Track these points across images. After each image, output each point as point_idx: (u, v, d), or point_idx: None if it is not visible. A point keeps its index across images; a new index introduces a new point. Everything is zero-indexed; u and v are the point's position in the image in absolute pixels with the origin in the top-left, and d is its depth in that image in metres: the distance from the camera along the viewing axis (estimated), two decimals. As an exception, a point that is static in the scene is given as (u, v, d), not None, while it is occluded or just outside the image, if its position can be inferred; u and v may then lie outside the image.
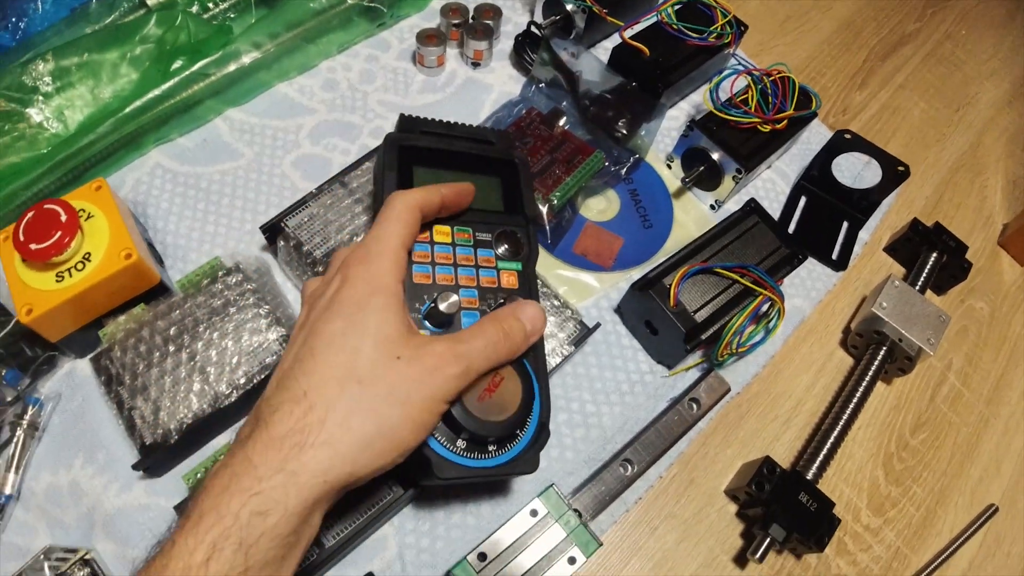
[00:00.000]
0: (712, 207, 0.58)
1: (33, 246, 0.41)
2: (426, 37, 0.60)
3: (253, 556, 0.26)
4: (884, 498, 0.50)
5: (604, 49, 0.65)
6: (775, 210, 0.59)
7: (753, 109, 0.54)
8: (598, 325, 0.47)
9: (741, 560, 0.46)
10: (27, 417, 0.44)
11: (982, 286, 0.61)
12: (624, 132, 0.55)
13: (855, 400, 0.49)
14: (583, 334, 0.46)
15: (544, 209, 0.51)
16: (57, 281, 0.42)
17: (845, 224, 0.59)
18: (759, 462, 0.45)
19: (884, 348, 0.51)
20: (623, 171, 0.56)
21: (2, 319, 0.45)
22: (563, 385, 0.49)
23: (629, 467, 0.45)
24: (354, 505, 0.40)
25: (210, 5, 0.57)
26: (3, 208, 0.48)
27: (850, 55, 0.74)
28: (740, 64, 0.57)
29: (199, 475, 0.41)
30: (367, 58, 0.62)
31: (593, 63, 0.57)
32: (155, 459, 0.41)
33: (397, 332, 0.30)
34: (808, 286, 0.56)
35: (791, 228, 0.58)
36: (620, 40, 0.59)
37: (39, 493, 0.43)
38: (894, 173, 0.59)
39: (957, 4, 0.82)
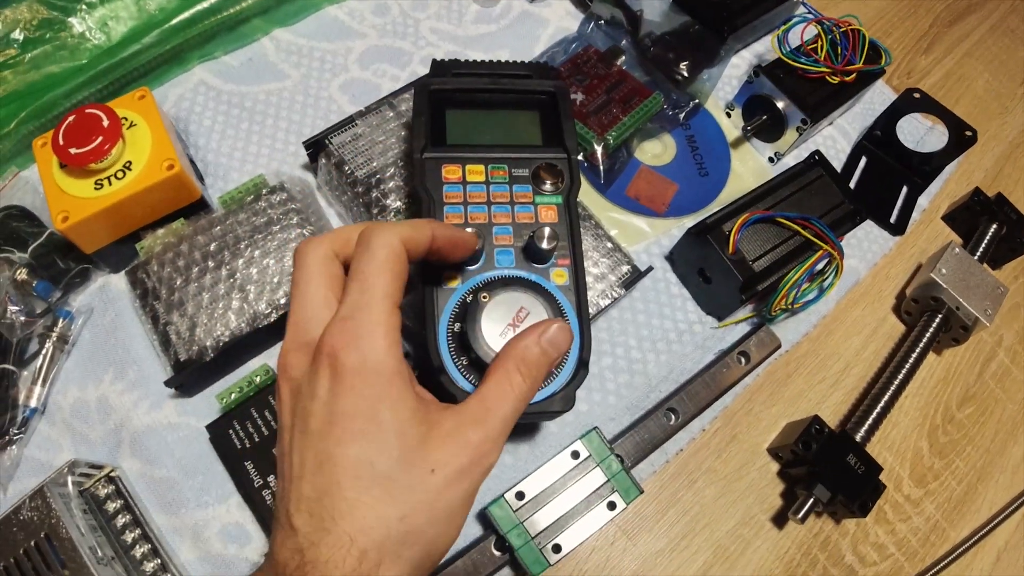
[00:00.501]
0: (771, 159, 0.56)
1: (73, 150, 0.39)
2: (483, -35, 0.57)
3: None
4: (927, 469, 0.49)
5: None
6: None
7: (822, 59, 0.52)
8: (650, 268, 0.46)
9: (779, 520, 0.45)
10: (57, 330, 0.43)
11: (1039, 263, 0.59)
12: (685, 75, 0.52)
13: (908, 365, 0.48)
14: (635, 276, 0.44)
15: (599, 149, 0.49)
16: (96, 189, 0.40)
17: (905, 188, 0.56)
18: (806, 421, 0.44)
19: (940, 316, 0.50)
20: (681, 115, 0.54)
21: (35, 230, 0.44)
22: (608, 329, 0.47)
23: (673, 416, 0.44)
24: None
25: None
26: (41, 117, 0.47)
27: (917, 18, 0.71)
28: (809, 13, 0.54)
29: (233, 395, 0.40)
30: (420, -17, 0.60)
31: (656, 2, 0.54)
32: (188, 376, 0.40)
33: (419, 436, 0.27)
34: (864, 248, 0.54)
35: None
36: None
37: (65, 408, 0.42)
38: (961, 138, 0.56)
39: (1025, -24, 0.78)
